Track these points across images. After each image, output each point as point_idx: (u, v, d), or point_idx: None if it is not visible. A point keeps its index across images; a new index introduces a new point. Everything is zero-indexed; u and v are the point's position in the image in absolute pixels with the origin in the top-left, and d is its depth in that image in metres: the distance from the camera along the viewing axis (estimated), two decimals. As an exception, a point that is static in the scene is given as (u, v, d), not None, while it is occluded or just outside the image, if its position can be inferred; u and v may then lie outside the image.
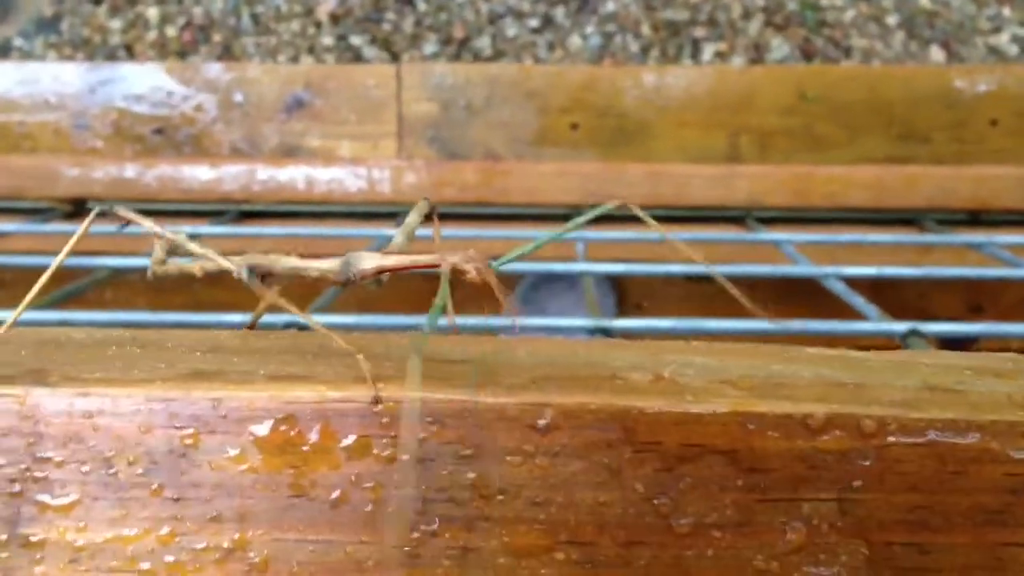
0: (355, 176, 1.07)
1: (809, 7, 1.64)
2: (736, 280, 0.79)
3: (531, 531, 0.28)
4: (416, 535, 0.29)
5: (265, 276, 0.35)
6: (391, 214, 1.07)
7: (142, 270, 0.92)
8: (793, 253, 0.87)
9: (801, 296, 0.91)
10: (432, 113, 1.13)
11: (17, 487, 0.29)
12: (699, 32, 1.61)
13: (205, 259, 0.34)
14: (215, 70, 1.11)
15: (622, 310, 1.14)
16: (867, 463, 0.28)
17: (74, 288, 0.74)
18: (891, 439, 0.28)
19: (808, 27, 1.61)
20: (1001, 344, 1.10)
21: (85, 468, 0.29)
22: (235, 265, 0.34)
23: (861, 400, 0.29)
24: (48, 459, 0.29)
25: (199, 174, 1.05)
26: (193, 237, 0.36)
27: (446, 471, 0.28)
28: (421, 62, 1.29)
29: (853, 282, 1.01)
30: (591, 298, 0.76)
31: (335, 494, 0.29)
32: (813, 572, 0.28)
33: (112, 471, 0.29)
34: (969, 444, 0.28)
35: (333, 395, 0.29)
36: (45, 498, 0.29)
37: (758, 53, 1.57)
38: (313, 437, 0.29)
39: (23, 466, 0.29)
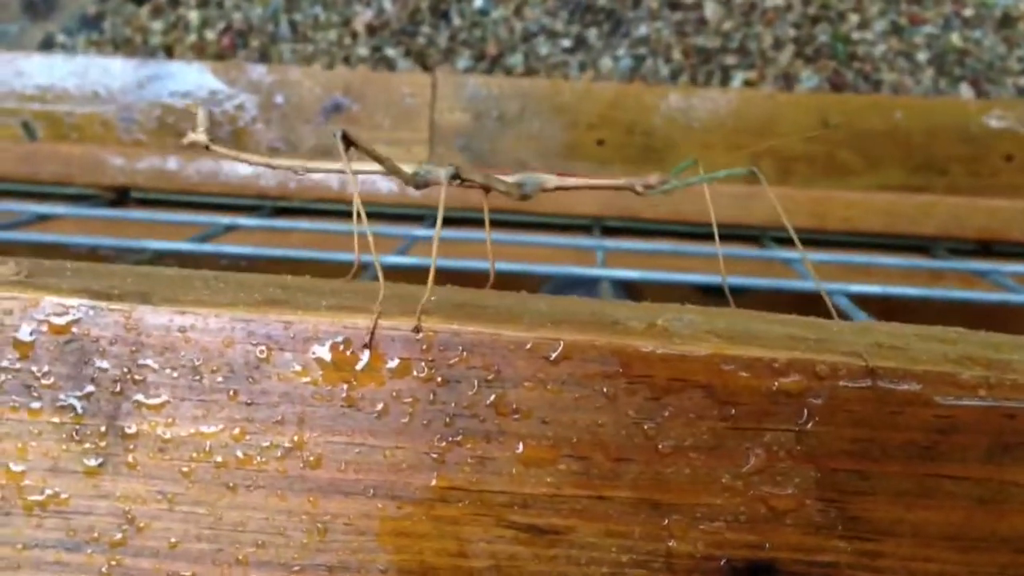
0: (387, 179, 1.11)
1: (840, 40, 1.67)
2: (749, 294, 0.83)
3: (539, 445, 0.33)
4: (443, 444, 0.33)
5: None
6: (419, 216, 1.11)
7: (181, 254, 0.96)
8: (804, 270, 0.90)
9: (810, 313, 0.94)
10: (464, 122, 1.17)
11: (119, 387, 0.34)
12: (729, 60, 1.64)
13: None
14: (258, 72, 1.16)
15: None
16: (819, 401, 0.32)
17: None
18: (841, 382, 0.32)
19: (838, 59, 1.64)
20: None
21: (175, 374, 0.34)
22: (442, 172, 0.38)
23: (819, 350, 0.33)
24: (146, 365, 0.34)
25: (238, 169, 1.09)
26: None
27: (471, 391, 0.33)
28: (456, 73, 1.33)
29: (866, 306, 1.05)
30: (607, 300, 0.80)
31: (379, 406, 0.33)
32: (770, 491, 0.33)
33: (197, 377, 0.34)
34: (905, 389, 0.32)
35: (383, 323, 0.33)
36: (140, 397, 0.34)
37: (787, 83, 1.61)
38: (364, 358, 0.33)
39: (125, 370, 0.34)
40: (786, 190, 1.12)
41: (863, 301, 0.80)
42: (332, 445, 0.33)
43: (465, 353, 0.33)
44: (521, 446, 0.33)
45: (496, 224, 1.13)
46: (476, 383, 0.33)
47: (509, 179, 0.39)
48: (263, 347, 0.33)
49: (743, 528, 0.33)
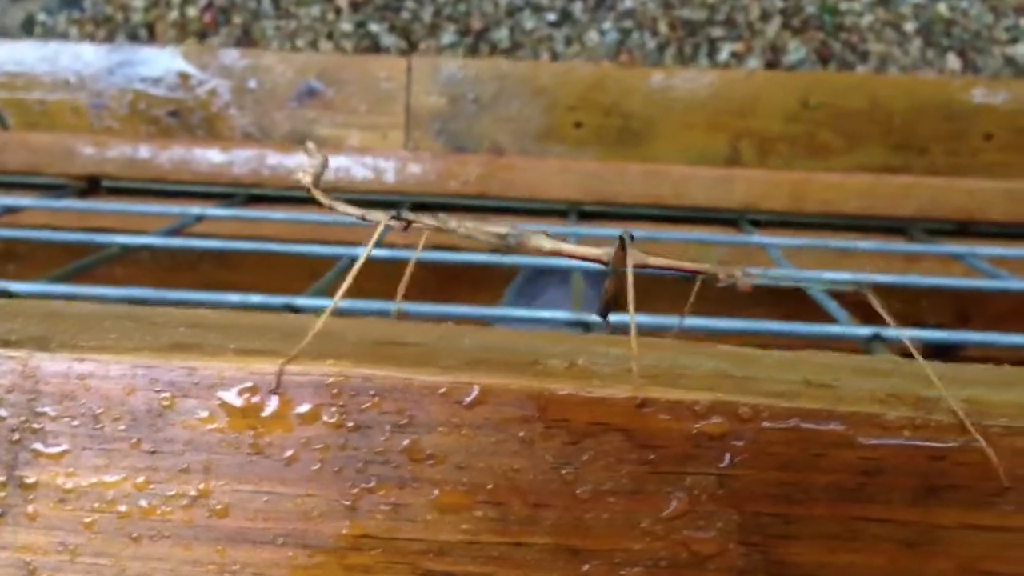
0: (361, 165, 1.10)
1: (828, 11, 1.66)
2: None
3: (455, 491, 0.32)
4: (355, 490, 0.32)
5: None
6: (395, 203, 1.10)
7: (151, 249, 0.95)
8: (778, 257, 0.89)
9: (786, 298, 0.93)
10: (440, 106, 1.16)
11: (16, 436, 0.33)
12: (716, 32, 1.63)
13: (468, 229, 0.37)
14: (231, 56, 1.14)
15: (614, 306, 1.17)
16: (742, 444, 0.31)
17: (84, 264, 0.78)
18: (763, 424, 0.31)
19: (826, 31, 1.63)
20: (984, 353, 1.12)
21: (75, 423, 0.33)
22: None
23: (743, 390, 0.32)
24: (44, 413, 0.33)
25: (210, 157, 1.09)
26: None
27: (383, 437, 0.32)
28: (432, 56, 1.31)
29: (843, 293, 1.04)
30: (577, 292, 0.79)
31: (288, 453, 0.32)
32: (692, 535, 0.32)
33: (99, 426, 0.33)
34: (829, 431, 0.31)
35: (292, 368, 0.32)
36: (39, 446, 0.33)
37: (775, 55, 1.59)
38: (272, 404, 0.32)
39: (23, 418, 0.33)
40: (764, 172, 1.11)
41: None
42: (239, 493, 0.32)
43: (377, 398, 0.32)
44: (436, 492, 0.32)
45: (469, 210, 1.12)
46: (388, 429, 0.32)
47: (590, 251, 0.38)
48: (167, 394, 0.32)
49: (664, 573, 0.33)
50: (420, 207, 1.11)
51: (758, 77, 1.16)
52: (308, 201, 1.07)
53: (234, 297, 0.70)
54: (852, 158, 1.15)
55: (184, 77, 1.14)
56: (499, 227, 0.38)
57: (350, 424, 0.32)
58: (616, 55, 1.58)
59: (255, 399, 0.32)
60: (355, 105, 1.15)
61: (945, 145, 1.15)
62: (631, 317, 0.33)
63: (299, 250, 0.84)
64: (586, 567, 0.32)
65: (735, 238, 1.01)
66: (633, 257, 0.38)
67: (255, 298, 0.69)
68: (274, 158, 1.09)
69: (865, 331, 0.65)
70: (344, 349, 0.33)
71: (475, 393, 0.32)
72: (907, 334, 0.69)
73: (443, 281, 0.97)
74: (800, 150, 1.16)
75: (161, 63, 1.14)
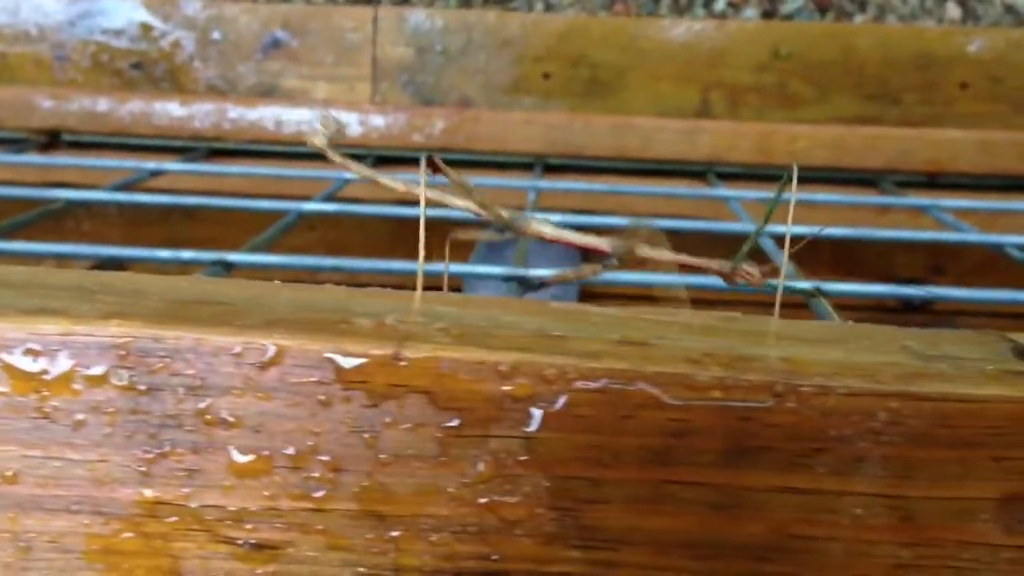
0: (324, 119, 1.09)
1: (824, -41, 1.63)
2: (685, 234, 0.81)
3: (252, 456, 0.31)
4: (149, 456, 0.31)
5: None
6: (359, 156, 1.09)
7: (102, 204, 0.95)
8: (738, 209, 0.88)
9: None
10: (407, 58, 1.14)
11: None
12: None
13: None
14: (193, 7, 1.13)
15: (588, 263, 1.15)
16: (548, 406, 0.30)
17: (23, 219, 0.77)
18: (571, 386, 0.30)
19: (822, -20, 1.60)
20: (959, 307, 1.11)
21: None
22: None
23: (554, 350, 0.31)
24: None
25: (170, 110, 1.08)
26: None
27: (176, 400, 0.31)
28: (399, 6, 1.30)
29: (816, 240, 1.02)
30: (522, 252, 0.78)
31: (76, 418, 0.31)
32: (499, 500, 0.31)
33: None
34: (637, 391, 0.30)
35: (78, 329, 0.31)
36: None
37: (772, 5, 1.57)
38: (57, 367, 0.31)
39: None
40: (731, 124, 1.09)
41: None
42: (29, 459, 0.31)
43: (168, 360, 0.31)
44: (232, 457, 0.31)
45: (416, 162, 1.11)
46: (181, 392, 0.31)
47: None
48: (-49, 355, 0.31)
49: (472, 539, 0.32)
50: (385, 161, 1.10)
51: (728, 27, 1.14)
52: (269, 155, 1.07)
53: (164, 253, 0.69)
54: (824, 109, 1.14)
55: (146, 28, 1.13)
56: (506, 211, 0.37)
57: (141, 387, 0.31)
58: (611, 5, 1.55)
59: (39, 361, 0.31)
60: (321, 56, 1.14)
61: (919, 95, 1.13)
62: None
63: (244, 205, 0.83)
64: (392, 533, 0.32)
65: (698, 191, 0.99)
66: (642, 252, 0.37)
67: (186, 254, 0.69)
68: (235, 111, 1.08)
69: (807, 285, 0.64)
70: (140, 308, 0.32)
71: (270, 354, 0.31)
72: (844, 288, 0.68)
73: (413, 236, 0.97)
74: (771, 101, 1.14)
75: (122, 14, 1.13)
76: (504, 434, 0.31)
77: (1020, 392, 0.30)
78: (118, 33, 1.13)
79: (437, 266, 0.37)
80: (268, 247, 0.71)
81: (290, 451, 0.31)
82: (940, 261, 1.13)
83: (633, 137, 1.08)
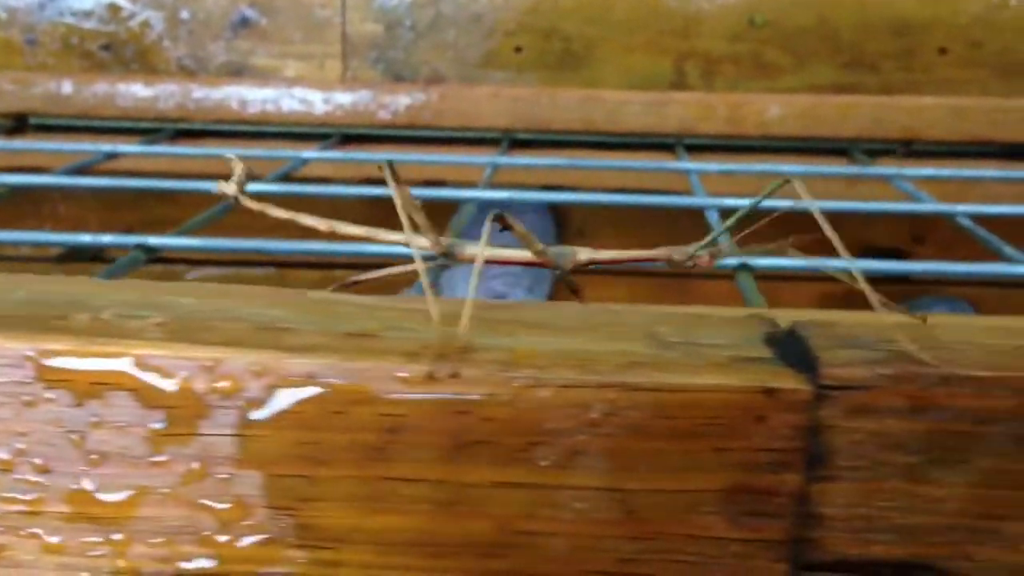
0: (290, 97, 1.08)
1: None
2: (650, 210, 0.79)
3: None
4: None
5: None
6: (326, 135, 1.08)
7: (55, 188, 0.95)
8: (697, 184, 0.86)
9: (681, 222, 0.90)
10: (377, 34, 1.13)
11: None
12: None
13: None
14: (161, -13, 1.13)
15: (564, 237, 1.14)
16: (257, 403, 0.29)
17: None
18: (278, 382, 0.29)
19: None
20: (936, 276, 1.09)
21: None
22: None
23: (265, 345, 0.30)
24: None
25: (135, 92, 1.07)
26: None
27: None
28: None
29: (793, 215, 1.00)
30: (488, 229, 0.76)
31: None
32: (213, 500, 0.30)
33: None
34: (346, 386, 0.29)
35: None
36: None
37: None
38: None
39: None
40: (700, 95, 1.07)
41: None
42: None
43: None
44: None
45: (402, 140, 1.10)
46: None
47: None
48: None
49: (190, 541, 0.31)
50: (351, 139, 1.09)
51: (702, -5, 1.11)
52: (238, 135, 1.06)
53: (85, 237, 0.69)
54: (801, 77, 1.11)
55: (115, 9, 1.12)
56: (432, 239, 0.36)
57: None
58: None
59: None
60: (290, 34, 1.13)
61: (897, 62, 1.10)
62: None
63: (188, 186, 0.82)
64: (109, 536, 0.31)
65: (657, 163, 0.97)
66: (581, 255, 0.36)
67: (106, 238, 0.68)
68: (200, 92, 1.08)
69: (734, 262, 0.62)
70: None
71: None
72: (765, 263, 0.66)
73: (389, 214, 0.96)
74: (747, 70, 1.12)
75: (90, -4, 1.13)
76: (214, 432, 0.30)
77: (739, 381, 0.28)
78: (87, 14, 1.13)
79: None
80: (203, 228, 0.71)
81: (20, 447, 0.30)
82: (920, 230, 1.10)
83: (600, 110, 1.07)
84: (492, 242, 0.34)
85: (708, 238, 0.35)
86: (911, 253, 1.11)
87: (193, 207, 1.09)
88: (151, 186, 0.81)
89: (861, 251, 1.01)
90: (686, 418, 0.29)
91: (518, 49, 1.12)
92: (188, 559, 0.31)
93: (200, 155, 0.97)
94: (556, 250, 0.36)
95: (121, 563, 0.31)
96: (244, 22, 1.13)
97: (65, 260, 1.08)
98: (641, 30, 1.12)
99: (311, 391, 0.29)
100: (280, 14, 1.13)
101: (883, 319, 0.33)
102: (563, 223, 1.11)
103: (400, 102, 1.07)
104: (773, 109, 1.05)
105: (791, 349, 0.30)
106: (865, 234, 1.09)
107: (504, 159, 0.95)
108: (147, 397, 0.30)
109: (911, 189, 0.84)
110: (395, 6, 1.12)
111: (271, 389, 0.29)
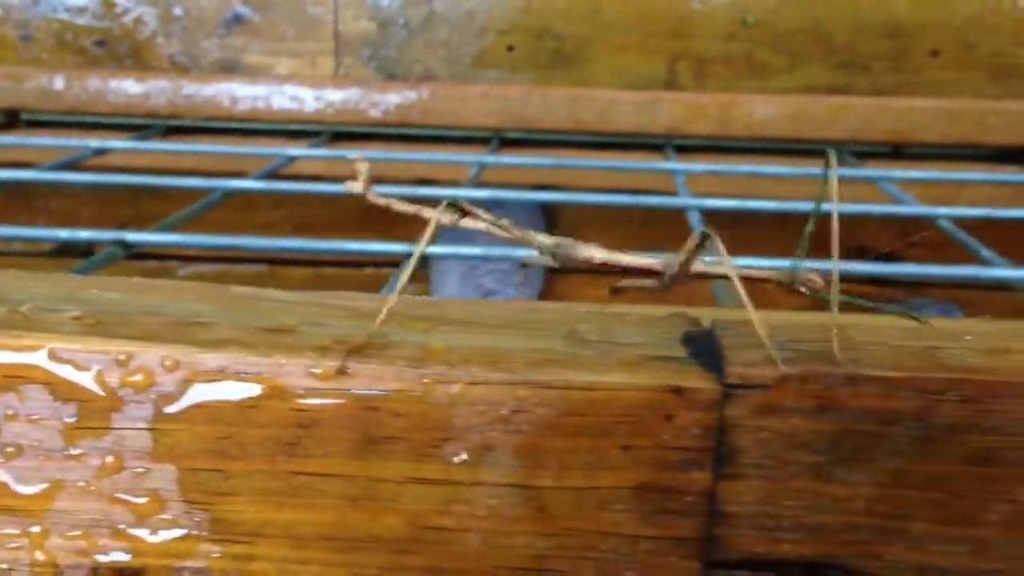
0: (280, 94, 1.08)
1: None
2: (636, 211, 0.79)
3: None
4: None
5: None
6: (316, 132, 1.08)
7: (43, 183, 0.95)
8: (681, 184, 0.86)
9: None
10: (370, 32, 1.13)
11: None
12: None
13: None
14: (155, -16, 1.13)
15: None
16: (170, 396, 0.29)
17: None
18: (192, 374, 0.29)
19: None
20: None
21: None
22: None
23: (180, 339, 0.30)
24: None
25: (127, 88, 1.08)
26: None
27: None
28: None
29: (780, 217, 1.01)
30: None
31: None
32: (130, 494, 0.30)
33: None
34: (260, 380, 0.29)
35: None
36: None
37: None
38: None
39: None
40: (690, 95, 1.07)
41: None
42: None
43: None
44: None
45: (392, 139, 1.10)
46: None
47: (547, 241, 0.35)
48: None
49: (106, 534, 0.31)
50: (342, 137, 1.10)
51: (693, -4, 1.11)
52: (225, 132, 1.06)
53: (63, 233, 0.69)
54: (793, 78, 1.11)
55: (109, 5, 1.13)
56: (548, 238, 0.36)
57: None
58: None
59: None
60: (283, 31, 1.14)
61: (889, 63, 1.09)
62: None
63: (170, 183, 0.83)
64: (27, 528, 0.31)
65: (640, 164, 0.97)
66: (699, 267, 0.35)
67: (84, 233, 0.68)
68: (190, 88, 1.08)
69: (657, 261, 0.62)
70: None
71: None
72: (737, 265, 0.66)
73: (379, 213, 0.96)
74: (739, 71, 1.11)
75: (84, -8, 1.13)
76: (128, 426, 0.30)
77: (647, 380, 0.28)
78: (81, 11, 1.13)
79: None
80: (187, 224, 0.71)
81: None
82: (911, 232, 1.10)
83: (590, 110, 1.07)
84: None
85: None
86: (904, 256, 1.10)
87: (187, 203, 1.10)
88: (138, 182, 0.81)
89: (853, 253, 1.01)
90: (595, 416, 0.29)
91: (510, 48, 1.12)
92: (105, 552, 0.31)
93: (190, 151, 0.97)
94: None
95: (40, 555, 0.31)
96: (237, 19, 1.13)
97: (59, 255, 1.09)
98: (634, 30, 1.12)
99: (224, 385, 0.29)
100: (273, 11, 1.13)
101: (817, 319, 0.33)
102: (554, 222, 1.11)
103: (390, 100, 1.07)
104: (763, 110, 1.04)
105: (705, 348, 0.30)
106: (854, 237, 1.09)
107: (490, 158, 0.95)
108: (61, 390, 0.30)
109: (896, 191, 0.84)
110: (388, 4, 1.12)
111: (184, 383, 0.30)
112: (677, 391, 0.28)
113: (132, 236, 0.66)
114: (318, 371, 0.29)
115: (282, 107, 1.08)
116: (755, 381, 0.28)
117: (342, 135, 1.09)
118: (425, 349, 0.30)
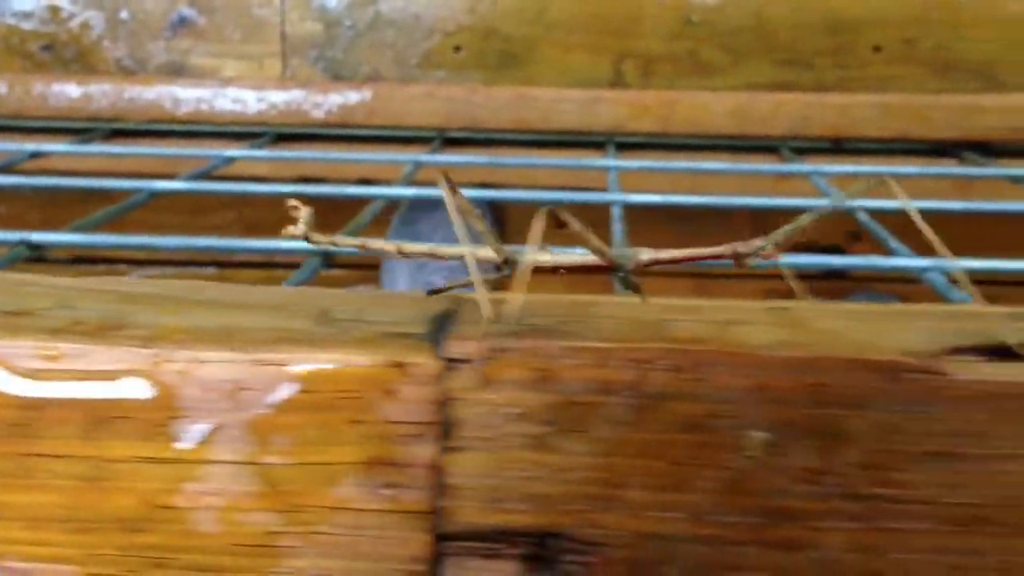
0: (223, 96, 1.09)
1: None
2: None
3: None
4: None
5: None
6: (257, 134, 1.08)
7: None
8: (614, 181, 0.86)
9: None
10: (316, 33, 1.13)
11: None
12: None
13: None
14: (100, -12, 1.13)
15: (503, 237, 1.13)
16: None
17: None
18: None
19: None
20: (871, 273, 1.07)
21: None
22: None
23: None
24: None
25: (68, 92, 1.08)
26: None
27: None
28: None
29: (728, 212, 1.01)
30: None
31: None
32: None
33: None
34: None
35: None
36: None
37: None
38: None
39: None
40: (632, 93, 1.07)
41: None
42: None
43: None
44: None
45: (335, 139, 1.10)
46: None
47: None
48: None
49: None
50: (287, 138, 1.10)
51: (638, -7, 1.11)
52: (169, 135, 1.06)
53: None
54: (737, 75, 1.10)
55: (55, 10, 1.13)
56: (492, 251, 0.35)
57: None
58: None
59: None
60: (229, 33, 1.14)
61: (832, 59, 1.09)
62: None
63: (96, 184, 0.83)
64: None
65: (580, 162, 0.97)
66: (643, 255, 0.35)
67: (-2, 234, 0.68)
68: (133, 91, 1.08)
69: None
70: None
71: None
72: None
73: (326, 211, 0.96)
74: (684, 69, 1.11)
75: (30, -3, 1.14)
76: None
77: (371, 356, 0.28)
78: (27, 16, 1.13)
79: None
80: (100, 226, 0.71)
81: None
82: (855, 227, 1.09)
83: (533, 109, 1.06)
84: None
85: (771, 236, 0.34)
86: (848, 250, 1.10)
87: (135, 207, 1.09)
88: (70, 184, 0.82)
89: (801, 248, 1.01)
90: (323, 392, 0.29)
91: (457, 49, 1.12)
92: None
93: (127, 153, 0.97)
94: (617, 251, 0.35)
95: None
96: (183, 21, 1.13)
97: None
98: (580, 30, 1.11)
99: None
100: (218, 13, 1.13)
101: (564, 299, 0.32)
102: (502, 221, 1.11)
103: (333, 101, 1.07)
104: (704, 107, 1.04)
105: (443, 327, 0.30)
106: (805, 232, 1.08)
107: (426, 157, 0.95)
108: None
109: (824, 186, 0.84)
110: (334, 6, 1.12)
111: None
112: (399, 366, 0.28)
113: (37, 237, 0.66)
114: (48, 353, 0.29)
115: (225, 109, 1.08)
116: (471, 356, 0.28)
117: (287, 136, 1.09)
118: (156, 328, 0.30)
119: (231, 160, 0.93)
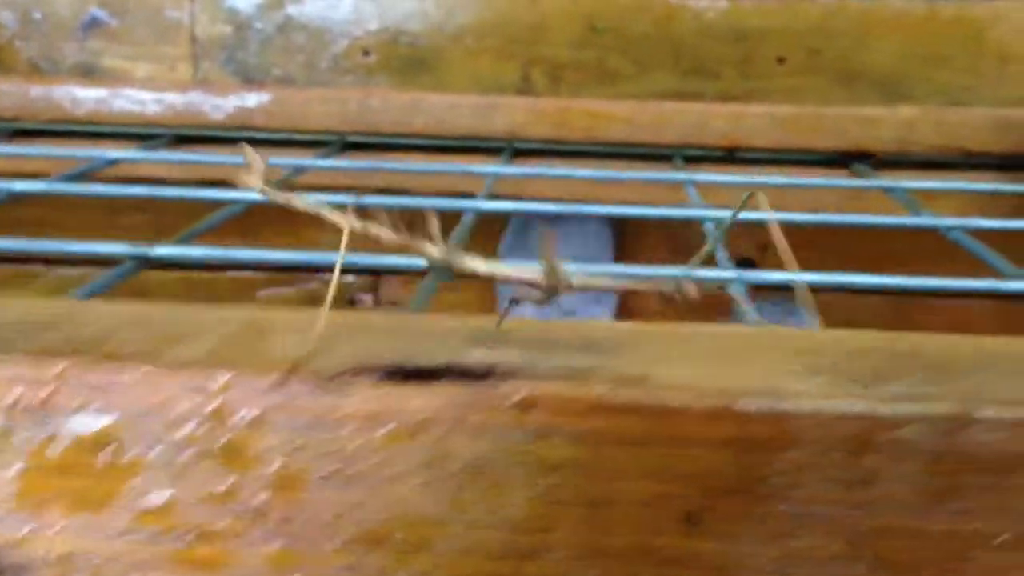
0: (120, 97, 1.08)
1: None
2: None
3: None
4: None
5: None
6: (152, 135, 1.08)
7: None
8: (489, 185, 0.85)
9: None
10: (226, 36, 1.13)
11: None
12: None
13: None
14: (13, -13, 1.14)
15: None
16: None
17: None
18: None
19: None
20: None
21: None
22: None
23: None
24: None
25: (-31, 92, 1.08)
26: None
27: None
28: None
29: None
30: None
31: None
32: None
33: None
34: None
35: None
36: None
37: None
38: None
39: None
40: (526, 100, 1.06)
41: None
42: None
43: None
44: None
45: (233, 141, 1.10)
46: None
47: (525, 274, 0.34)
48: None
49: None
50: (188, 140, 1.09)
51: (542, 4, 1.10)
52: (72, 135, 1.06)
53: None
54: (643, 84, 1.09)
55: (-34, 10, 1.14)
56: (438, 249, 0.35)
57: None
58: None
59: None
60: (140, 36, 1.14)
61: (737, 69, 1.07)
62: None
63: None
64: None
65: (450, 166, 0.96)
66: (566, 279, 0.34)
67: None
68: (36, 91, 1.09)
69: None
70: None
71: None
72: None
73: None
74: (591, 76, 1.10)
75: (-61, -5, 1.14)
76: None
77: None
78: (-60, 15, 1.14)
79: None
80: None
81: None
82: (766, 240, 1.08)
83: (429, 114, 1.05)
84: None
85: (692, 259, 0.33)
86: (760, 261, 1.08)
87: (47, 208, 1.09)
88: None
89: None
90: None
91: (366, 52, 1.12)
92: None
93: (25, 155, 0.98)
94: (559, 269, 0.34)
95: None
96: (95, 22, 1.13)
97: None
98: (489, 35, 1.10)
99: None
100: (129, 15, 1.13)
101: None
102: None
103: (231, 103, 1.07)
104: (598, 114, 1.03)
105: None
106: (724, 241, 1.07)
107: (307, 161, 0.94)
108: None
109: (695, 194, 0.83)
110: (244, 8, 1.12)
111: None
112: None
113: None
114: None
115: (123, 109, 1.08)
116: None
117: (187, 138, 1.09)
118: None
119: (114, 162, 0.92)
